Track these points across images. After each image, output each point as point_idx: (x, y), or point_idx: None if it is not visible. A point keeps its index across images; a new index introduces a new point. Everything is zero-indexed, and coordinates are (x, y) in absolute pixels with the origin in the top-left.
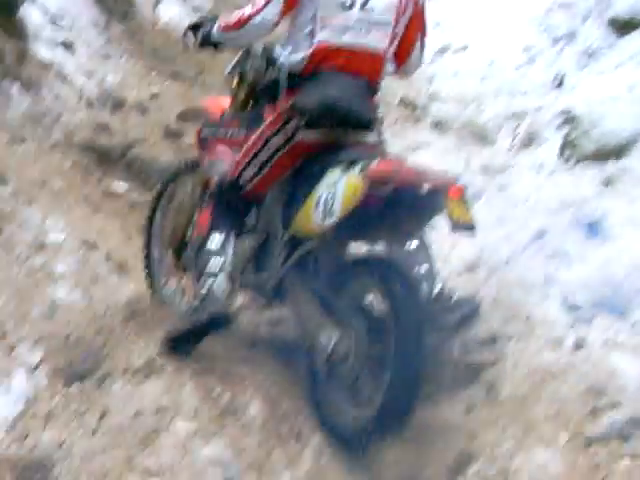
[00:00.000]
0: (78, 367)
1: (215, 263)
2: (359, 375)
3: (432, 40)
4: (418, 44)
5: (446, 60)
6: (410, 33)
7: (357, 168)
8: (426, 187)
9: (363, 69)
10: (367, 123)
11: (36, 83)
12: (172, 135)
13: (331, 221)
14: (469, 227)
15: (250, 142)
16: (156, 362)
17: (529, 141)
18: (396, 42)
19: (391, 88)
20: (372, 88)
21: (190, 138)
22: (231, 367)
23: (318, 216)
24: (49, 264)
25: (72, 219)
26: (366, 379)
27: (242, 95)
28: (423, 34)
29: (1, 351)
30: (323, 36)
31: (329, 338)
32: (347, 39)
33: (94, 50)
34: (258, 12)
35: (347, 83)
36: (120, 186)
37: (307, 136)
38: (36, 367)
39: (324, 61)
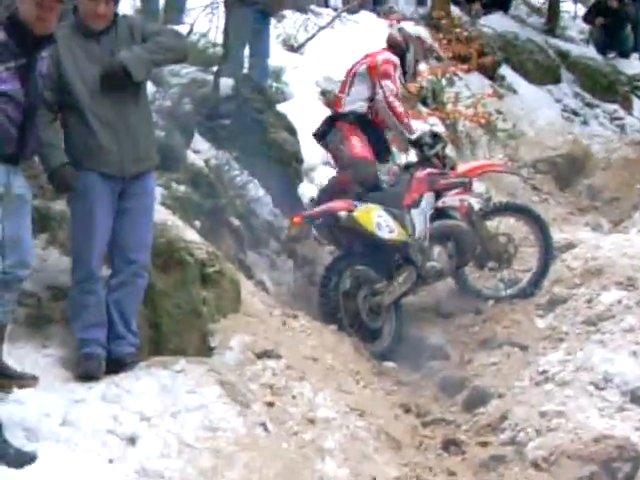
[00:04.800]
0: None
1: None
2: None
3: None
4: (378, 87)
5: None
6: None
7: None
8: None
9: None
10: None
11: (310, 259)
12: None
13: None
14: None
15: None
16: None
17: None
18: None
19: None
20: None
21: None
22: None
23: None
24: (319, 439)
25: (342, 395)
26: None
27: None
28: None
29: None
30: None
31: None
32: None
33: None
34: None
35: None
36: (389, 365)
37: None
38: None
39: None
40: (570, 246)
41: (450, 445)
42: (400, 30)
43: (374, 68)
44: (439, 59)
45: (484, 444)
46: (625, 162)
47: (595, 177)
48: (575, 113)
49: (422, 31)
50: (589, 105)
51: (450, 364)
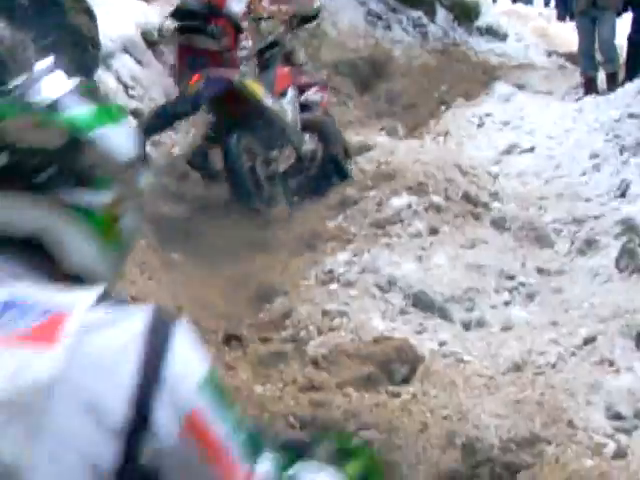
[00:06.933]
0: None
1: None
2: None
3: (499, 139)
4: None
5: (511, 160)
6: None
7: None
8: None
9: None
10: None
11: None
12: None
13: None
14: None
15: None
16: None
17: (587, 247)
18: None
19: (455, 183)
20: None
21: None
22: None
23: None
24: None
25: (125, 285)
26: None
27: None
28: None
29: None
30: None
31: None
32: None
33: None
34: None
35: None
36: (177, 257)
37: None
38: None
39: None
40: (365, 149)
41: (231, 340)
42: None
43: None
44: None
45: (265, 340)
46: (425, 69)
47: (395, 82)
48: (379, 17)
49: None
50: (394, 10)
51: (238, 260)
